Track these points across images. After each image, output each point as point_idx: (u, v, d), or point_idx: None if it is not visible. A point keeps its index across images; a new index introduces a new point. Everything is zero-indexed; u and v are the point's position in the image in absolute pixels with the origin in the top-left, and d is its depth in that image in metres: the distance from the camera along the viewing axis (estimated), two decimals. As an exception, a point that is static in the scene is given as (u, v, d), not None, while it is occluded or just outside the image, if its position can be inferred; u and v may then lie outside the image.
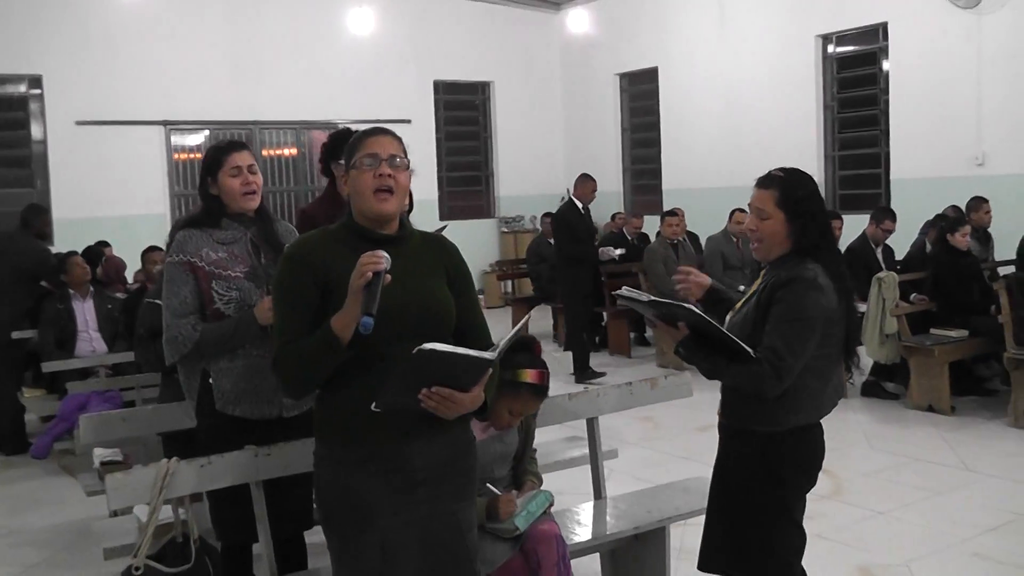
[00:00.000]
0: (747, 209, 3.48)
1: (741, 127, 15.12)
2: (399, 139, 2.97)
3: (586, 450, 5.16)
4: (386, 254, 2.70)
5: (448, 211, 17.77)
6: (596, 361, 10.58)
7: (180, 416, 4.59)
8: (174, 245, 3.87)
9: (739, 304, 3.44)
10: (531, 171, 18.48)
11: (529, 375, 3.69)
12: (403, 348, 2.69)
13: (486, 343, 2.91)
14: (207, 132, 15.71)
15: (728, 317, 3.45)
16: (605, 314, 12.05)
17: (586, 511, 4.34)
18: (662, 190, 16.60)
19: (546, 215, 14.17)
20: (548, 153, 18.75)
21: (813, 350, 3.19)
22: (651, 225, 11.90)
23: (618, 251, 11.08)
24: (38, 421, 8.70)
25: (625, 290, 3.27)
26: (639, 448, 7.41)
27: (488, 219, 18.33)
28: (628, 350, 11.48)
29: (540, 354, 3.80)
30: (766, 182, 3.31)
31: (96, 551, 5.60)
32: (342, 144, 4.82)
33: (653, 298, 3.23)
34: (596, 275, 11.06)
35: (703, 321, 3.13)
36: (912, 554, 5.24)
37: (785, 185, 3.27)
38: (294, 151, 16.52)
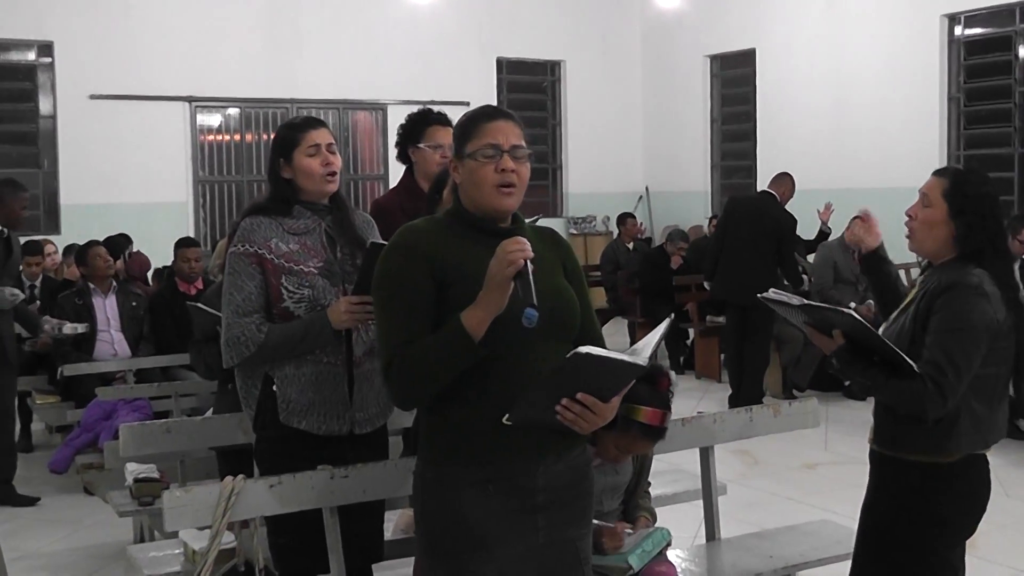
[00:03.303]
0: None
1: (850, 120, 14.97)
2: (520, 124, 2.97)
3: (682, 486, 5.18)
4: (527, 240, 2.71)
5: (507, 208, 17.62)
6: (683, 385, 10.49)
7: (233, 429, 4.64)
8: (239, 234, 3.88)
9: (894, 314, 3.47)
10: (604, 165, 18.25)
11: (645, 414, 3.46)
12: (525, 353, 2.72)
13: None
14: (237, 110, 15.86)
15: (881, 329, 3.46)
16: (692, 331, 12.03)
17: (699, 553, 4.35)
18: (756, 190, 16.41)
19: (626, 215, 14.12)
20: (625, 145, 18.56)
21: (978, 366, 3.22)
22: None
23: None
24: (44, 431, 8.84)
25: (772, 292, 3.30)
26: (738, 486, 7.35)
27: (554, 219, 17.97)
28: (718, 373, 11.40)
29: (666, 388, 3.54)
30: (941, 171, 3.48)
31: (126, 578, 5.74)
32: (421, 127, 4.89)
33: (806, 302, 3.26)
34: None
35: (863, 329, 3.17)
36: (1062, 621, 5.20)
37: (957, 178, 3.40)
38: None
